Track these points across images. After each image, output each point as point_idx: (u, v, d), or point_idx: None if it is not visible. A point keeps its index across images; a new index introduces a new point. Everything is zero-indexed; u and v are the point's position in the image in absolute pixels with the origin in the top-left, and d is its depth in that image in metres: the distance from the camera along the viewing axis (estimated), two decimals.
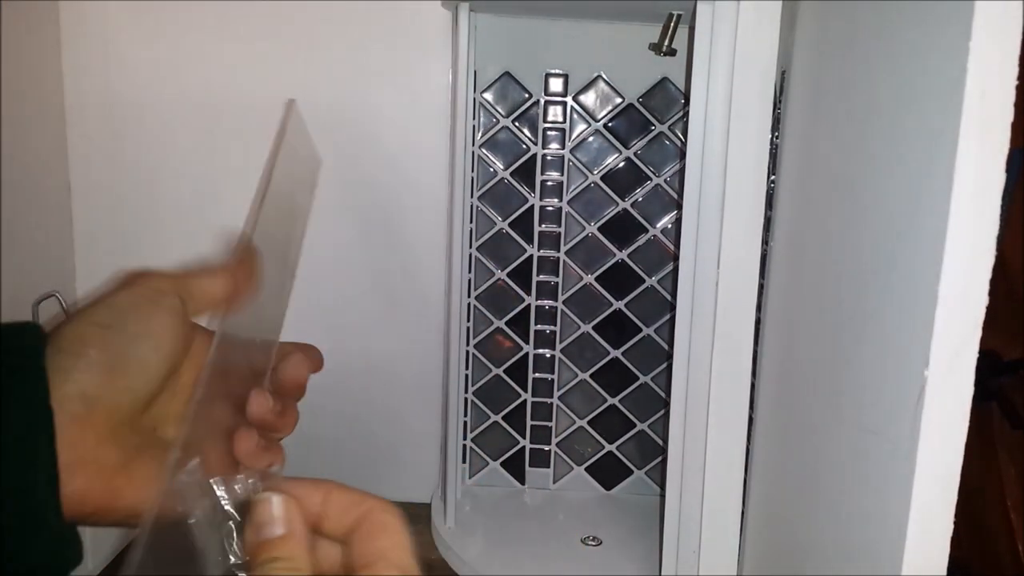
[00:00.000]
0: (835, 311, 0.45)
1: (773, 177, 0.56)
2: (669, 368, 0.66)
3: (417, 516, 0.74)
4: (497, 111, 0.72)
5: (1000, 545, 1.02)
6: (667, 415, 0.60)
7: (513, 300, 0.76)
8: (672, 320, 0.66)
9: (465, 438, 0.78)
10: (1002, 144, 0.30)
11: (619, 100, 0.72)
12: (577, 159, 0.73)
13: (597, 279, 0.75)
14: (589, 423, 0.78)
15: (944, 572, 0.33)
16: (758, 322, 0.57)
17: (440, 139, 0.72)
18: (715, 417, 0.57)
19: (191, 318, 0.37)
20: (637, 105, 0.72)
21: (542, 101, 0.72)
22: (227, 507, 0.30)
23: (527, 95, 0.72)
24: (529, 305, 0.76)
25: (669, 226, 0.74)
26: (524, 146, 0.73)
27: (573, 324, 0.76)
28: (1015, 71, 0.30)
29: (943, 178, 0.31)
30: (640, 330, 0.76)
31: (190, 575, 0.29)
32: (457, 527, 0.71)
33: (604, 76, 0.72)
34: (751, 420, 0.57)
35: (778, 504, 0.53)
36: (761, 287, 0.56)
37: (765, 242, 0.56)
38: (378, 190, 0.73)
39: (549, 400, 0.78)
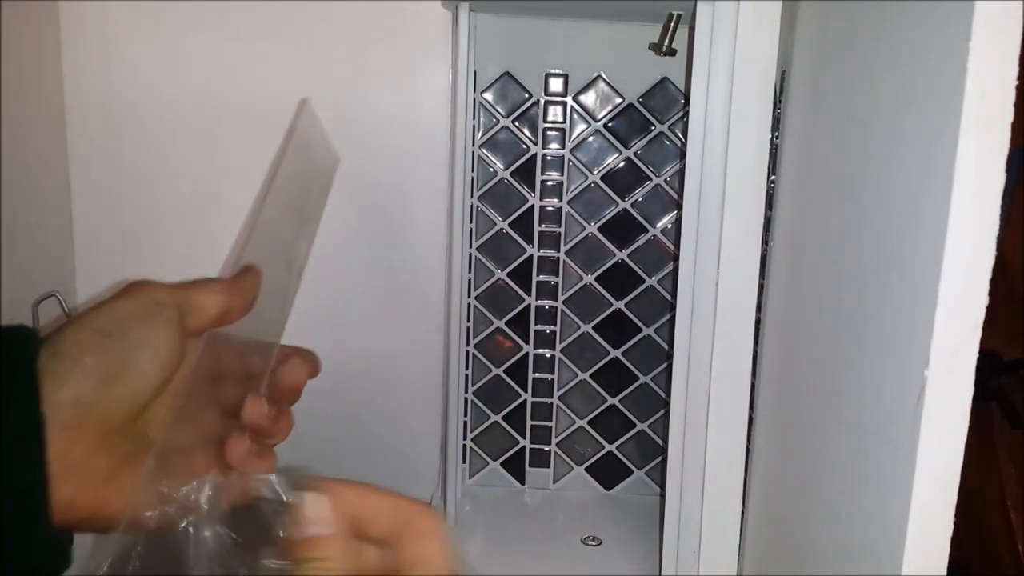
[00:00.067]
0: (835, 311, 0.44)
1: (773, 177, 0.56)
2: (669, 368, 0.66)
3: None
4: (497, 111, 0.72)
5: (1000, 545, 1.03)
6: (667, 415, 0.60)
7: (513, 300, 0.76)
8: (672, 320, 0.66)
9: (465, 438, 0.78)
10: (1002, 144, 0.30)
11: (619, 100, 0.72)
12: (577, 159, 0.73)
13: (597, 279, 0.75)
14: (589, 423, 0.78)
15: (944, 572, 0.33)
16: (758, 322, 0.57)
17: (440, 139, 0.72)
18: (715, 417, 0.57)
19: (188, 331, 0.36)
20: (637, 105, 0.72)
21: (542, 101, 0.72)
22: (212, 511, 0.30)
23: (527, 95, 0.72)
24: (529, 305, 0.76)
25: (669, 226, 0.74)
26: (524, 146, 0.73)
27: (573, 324, 0.76)
28: (1015, 71, 0.30)
29: (943, 178, 0.31)
30: (640, 330, 0.76)
31: None
32: (457, 527, 0.71)
33: (604, 76, 0.72)
34: (751, 420, 0.57)
35: (778, 504, 0.53)
36: (761, 287, 0.56)
37: (765, 242, 0.56)
38: (378, 190, 0.73)
39: (549, 400, 0.78)
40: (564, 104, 0.72)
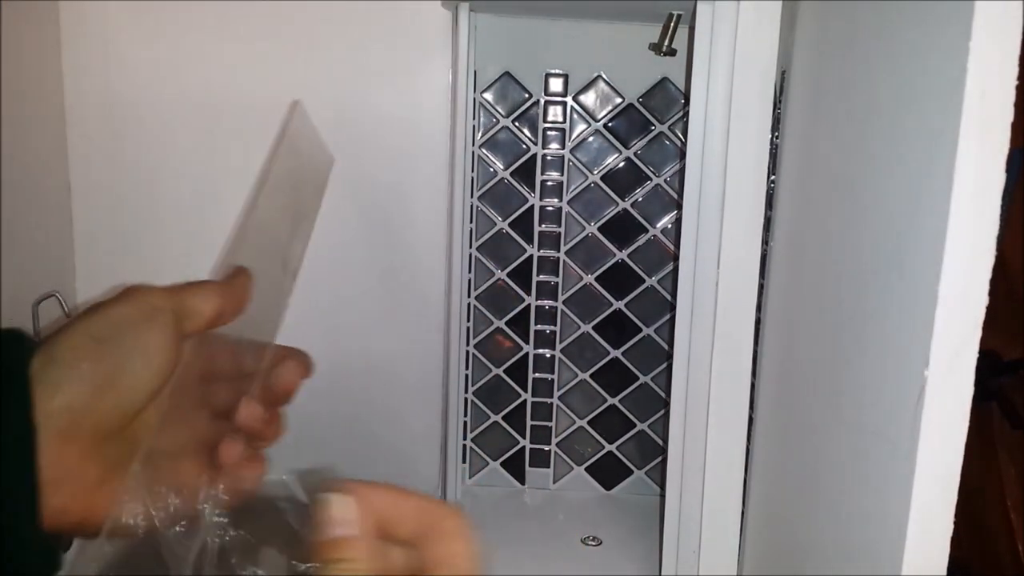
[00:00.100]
0: (835, 311, 0.44)
1: (773, 177, 0.56)
2: (669, 368, 0.66)
3: None
4: (497, 111, 0.72)
5: (1000, 545, 1.02)
6: (667, 415, 0.60)
7: (513, 300, 0.76)
8: (672, 320, 0.66)
9: (465, 438, 0.78)
10: (1002, 144, 0.30)
11: (619, 100, 0.72)
12: (577, 159, 0.73)
13: (597, 279, 0.75)
14: (589, 423, 0.78)
15: (944, 572, 0.33)
16: (758, 322, 0.57)
17: (440, 139, 0.72)
18: (715, 417, 0.57)
19: (183, 334, 0.36)
20: (637, 105, 0.72)
21: (542, 101, 0.72)
22: (213, 519, 0.30)
23: (527, 95, 0.72)
24: (529, 305, 0.76)
25: (669, 226, 0.74)
26: (524, 146, 0.73)
27: (573, 324, 0.76)
28: (1015, 71, 0.30)
29: (943, 178, 0.31)
30: (640, 330, 0.76)
31: None
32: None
33: (604, 76, 0.72)
34: (751, 420, 0.57)
35: (778, 504, 0.53)
36: (761, 287, 0.56)
37: (765, 242, 0.56)
38: (378, 190, 0.73)
39: (549, 400, 0.78)
40: (564, 104, 0.72)
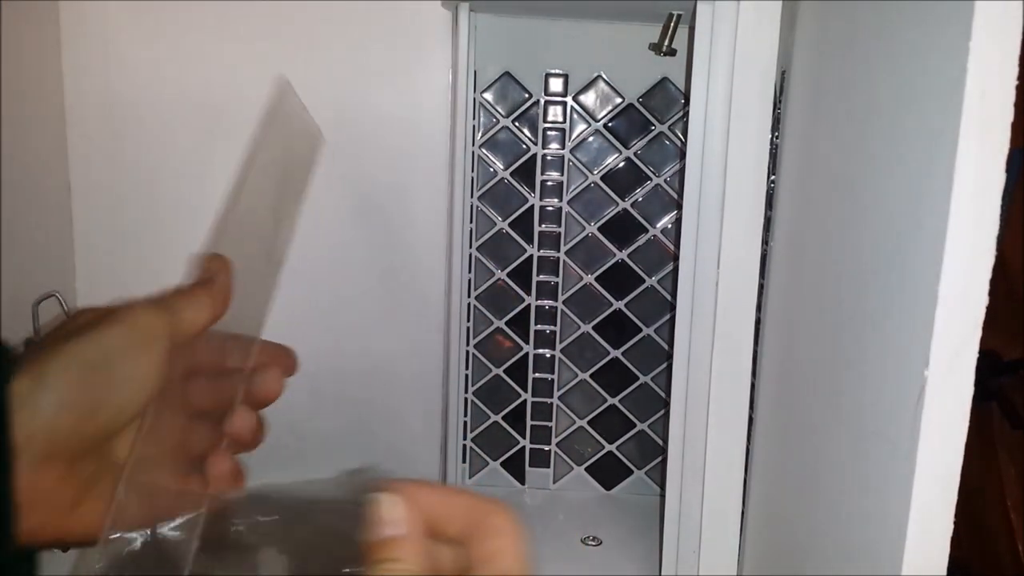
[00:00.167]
0: (835, 311, 0.44)
1: (773, 177, 0.56)
2: (669, 368, 0.66)
3: None
4: (497, 111, 0.72)
5: (1000, 545, 1.03)
6: (667, 415, 0.60)
7: (513, 300, 0.76)
8: (672, 320, 0.66)
9: (465, 438, 0.78)
10: (1002, 144, 0.30)
11: (619, 100, 0.72)
12: (577, 159, 0.73)
13: (597, 279, 0.75)
14: (589, 423, 0.78)
15: (944, 572, 0.33)
16: (758, 322, 0.57)
17: (440, 139, 0.72)
18: (715, 417, 0.57)
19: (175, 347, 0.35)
20: (637, 105, 0.72)
21: (542, 101, 0.72)
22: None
23: (527, 95, 0.72)
24: (529, 305, 0.76)
25: (669, 226, 0.74)
26: (524, 146, 0.73)
27: (573, 324, 0.76)
28: (1015, 71, 0.30)
29: (943, 178, 0.31)
30: (640, 330, 0.76)
31: None
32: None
33: (604, 76, 0.72)
34: (751, 420, 0.57)
35: (778, 504, 0.53)
36: (761, 287, 0.56)
37: (765, 242, 0.56)
38: (378, 190, 0.73)
39: (549, 400, 0.78)
40: (564, 104, 0.72)
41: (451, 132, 0.70)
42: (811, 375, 0.48)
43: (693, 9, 0.55)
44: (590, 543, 0.71)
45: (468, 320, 0.75)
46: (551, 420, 0.78)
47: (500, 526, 0.28)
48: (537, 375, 0.77)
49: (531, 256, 0.75)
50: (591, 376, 0.77)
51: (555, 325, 0.76)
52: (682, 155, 0.67)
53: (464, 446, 0.78)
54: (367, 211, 0.74)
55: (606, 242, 0.74)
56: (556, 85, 0.72)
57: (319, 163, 0.45)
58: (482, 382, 0.77)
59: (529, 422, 0.78)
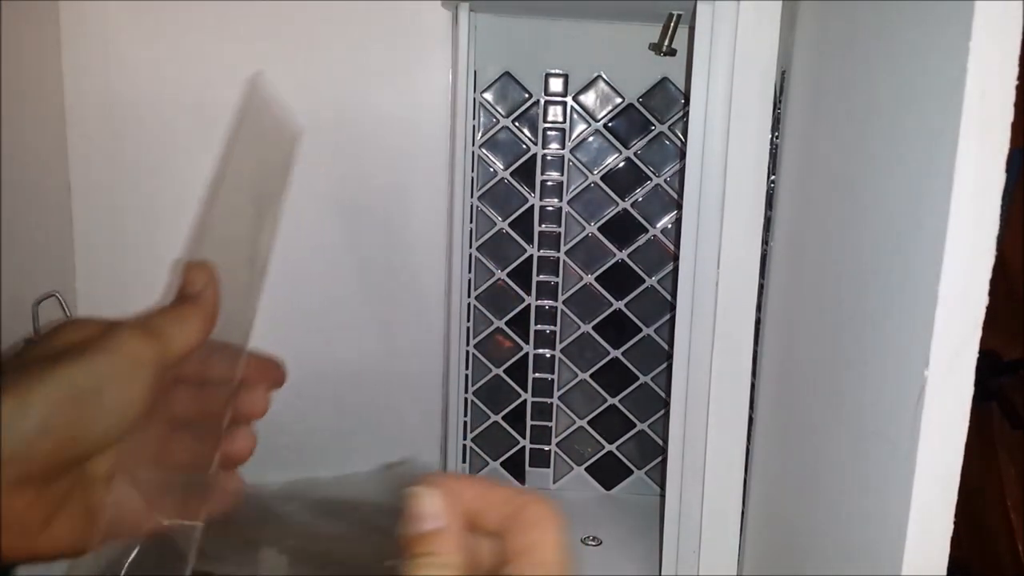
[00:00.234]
0: (835, 311, 0.44)
1: (773, 177, 0.56)
2: (669, 368, 0.66)
3: None
4: (497, 111, 0.72)
5: (1000, 545, 1.03)
6: (667, 415, 0.60)
7: (513, 300, 0.76)
8: (672, 320, 0.66)
9: (465, 438, 0.78)
10: (1002, 144, 0.30)
11: (619, 100, 0.72)
12: (577, 159, 0.73)
13: (597, 279, 0.75)
14: (589, 423, 0.78)
15: (944, 572, 0.33)
16: (758, 322, 0.57)
17: (440, 139, 0.72)
18: (715, 417, 0.57)
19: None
20: (637, 105, 0.72)
21: (542, 101, 0.72)
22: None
23: (527, 95, 0.72)
24: (529, 305, 0.76)
25: (669, 226, 0.74)
26: (524, 146, 0.73)
27: (573, 324, 0.76)
28: (1015, 71, 0.30)
29: (943, 178, 0.31)
30: (640, 330, 0.76)
31: None
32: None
33: (604, 76, 0.72)
34: (751, 420, 0.57)
35: (778, 504, 0.53)
36: (761, 287, 0.56)
37: (765, 242, 0.56)
38: (378, 190, 0.73)
39: (549, 400, 0.78)
40: (564, 104, 0.72)
41: (451, 132, 0.70)
42: (811, 375, 0.48)
43: (693, 9, 0.55)
44: (590, 543, 0.71)
45: (468, 320, 0.75)
46: (551, 420, 0.78)
47: (538, 518, 0.28)
48: (537, 375, 0.77)
49: (531, 256, 0.75)
50: (591, 376, 0.77)
51: (555, 325, 0.76)
52: (682, 155, 0.67)
53: (464, 446, 0.78)
54: (367, 211, 0.74)
55: (606, 242, 0.74)
56: (556, 85, 0.72)
57: (298, 159, 0.44)
58: (482, 382, 0.77)
59: (529, 422, 0.78)
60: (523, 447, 0.79)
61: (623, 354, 0.76)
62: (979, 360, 0.32)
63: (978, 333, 0.31)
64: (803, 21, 0.52)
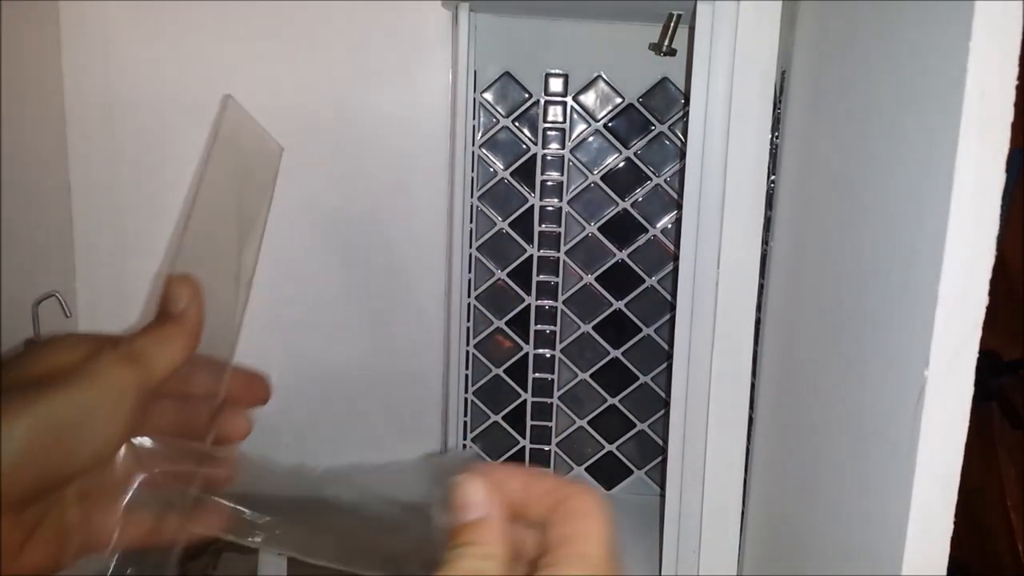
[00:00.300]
0: (835, 311, 0.44)
1: (773, 177, 0.56)
2: (669, 368, 0.66)
3: None
4: (497, 111, 0.72)
5: (1000, 545, 1.03)
6: (667, 415, 0.60)
7: (513, 300, 0.76)
8: (672, 320, 0.66)
9: (465, 438, 0.78)
10: (1002, 144, 0.30)
11: (619, 100, 0.72)
12: (577, 159, 0.73)
13: (597, 279, 0.75)
14: (589, 423, 0.78)
15: (944, 572, 0.33)
16: (758, 322, 0.57)
17: (440, 139, 0.72)
18: (715, 417, 0.57)
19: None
20: (637, 105, 0.72)
21: (542, 101, 0.72)
22: None
23: (527, 95, 0.72)
24: (529, 305, 0.76)
25: (669, 226, 0.74)
26: (524, 146, 0.73)
27: (573, 324, 0.76)
28: (1015, 71, 0.30)
29: (943, 178, 0.31)
30: (640, 330, 0.76)
31: None
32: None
33: (604, 76, 0.72)
34: (751, 420, 0.57)
35: (778, 504, 0.53)
36: (761, 287, 0.56)
37: (765, 242, 0.56)
38: (378, 190, 0.73)
39: (549, 400, 0.78)
40: (564, 104, 0.72)
41: (451, 132, 0.70)
42: (811, 375, 0.48)
43: (693, 9, 0.55)
44: None
45: (468, 320, 0.75)
46: (551, 420, 0.78)
47: (583, 508, 0.27)
48: (537, 375, 0.77)
49: (531, 256, 0.75)
50: (591, 376, 0.77)
51: (555, 325, 0.76)
52: (682, 155, 0.67)
53: (464, 446, 0.78)
54: (367, 211, 0.74)
55: (606, 242, 0.74)
56: (556, 85, 0.72)
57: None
58: (482, 382, 0.77)
59: (529, 422, 0.78)
60: (523, 447, 0.79)
61: (623, 354, 0.76)
62: (979, 360, 0.32)
63: (978, 333, 0.31)
64: (803, 21, 0.52)
